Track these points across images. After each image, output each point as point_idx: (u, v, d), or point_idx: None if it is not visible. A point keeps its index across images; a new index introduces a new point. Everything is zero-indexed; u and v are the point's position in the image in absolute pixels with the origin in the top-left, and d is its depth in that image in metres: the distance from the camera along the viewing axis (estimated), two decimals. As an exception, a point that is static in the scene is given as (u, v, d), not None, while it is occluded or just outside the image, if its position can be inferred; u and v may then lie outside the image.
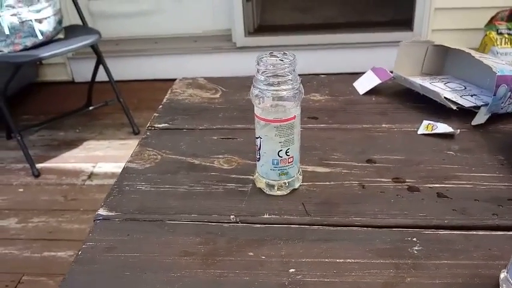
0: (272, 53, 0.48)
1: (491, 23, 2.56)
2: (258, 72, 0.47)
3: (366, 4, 2.95)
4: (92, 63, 2.31)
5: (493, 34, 2.48)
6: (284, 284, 0.41)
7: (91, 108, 2.25)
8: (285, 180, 0.52)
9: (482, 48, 2.58)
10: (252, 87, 0.48)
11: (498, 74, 0.61)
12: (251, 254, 0.45)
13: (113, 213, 0.50)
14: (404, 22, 2.70)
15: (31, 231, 1.69)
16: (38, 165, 2.14)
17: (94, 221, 0.50)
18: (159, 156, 0.60)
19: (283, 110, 0.48)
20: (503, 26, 2.51)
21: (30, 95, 2.66)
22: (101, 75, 2.29)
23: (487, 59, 0.65)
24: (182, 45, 2.60)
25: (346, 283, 0.41)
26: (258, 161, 0.52)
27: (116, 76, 2.40)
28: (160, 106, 0.72)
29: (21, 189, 2.04)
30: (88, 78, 2.35)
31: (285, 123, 0.48)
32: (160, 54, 2.56)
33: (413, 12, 2.52)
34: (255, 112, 0.49)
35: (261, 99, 0.48)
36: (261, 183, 0.53)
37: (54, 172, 2.14)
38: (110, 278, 0.43)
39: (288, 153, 0.50)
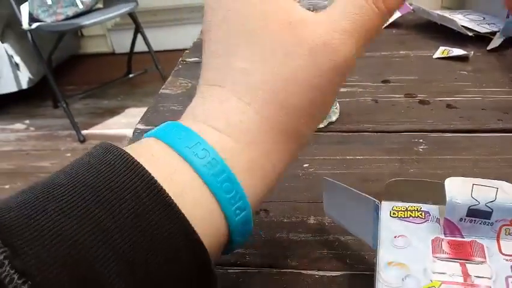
0: None
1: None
2: None
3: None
4: (131, 35, 2.39)
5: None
6: (298, 175, 0.46)
7: (131, 76, 2.35)
8: None
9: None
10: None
11: (511, -4, 0.62)
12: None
13: (149, 127, 0.56)
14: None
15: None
16: (84, 132, 2.26)
17: (133, 133, 0.56)
18: (190, 84, 0.65)
19: None
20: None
21: (73, 66, 2.79)
22: (141, 46, 2.37)
23: (503, -14, 0.67)
24: (217, 14, 2.64)
25: (354, 174, 0.45)
26: None
27: (155, 46, 2.47)
28: (191, 45, 0.77)
29: (68, 154, 2.17)
30: (128, 49, 2.44)
31: None
32: (195, 23, 2.62)
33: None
34: None
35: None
36: None
37: (98, 138, 2.26)
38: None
39: None
